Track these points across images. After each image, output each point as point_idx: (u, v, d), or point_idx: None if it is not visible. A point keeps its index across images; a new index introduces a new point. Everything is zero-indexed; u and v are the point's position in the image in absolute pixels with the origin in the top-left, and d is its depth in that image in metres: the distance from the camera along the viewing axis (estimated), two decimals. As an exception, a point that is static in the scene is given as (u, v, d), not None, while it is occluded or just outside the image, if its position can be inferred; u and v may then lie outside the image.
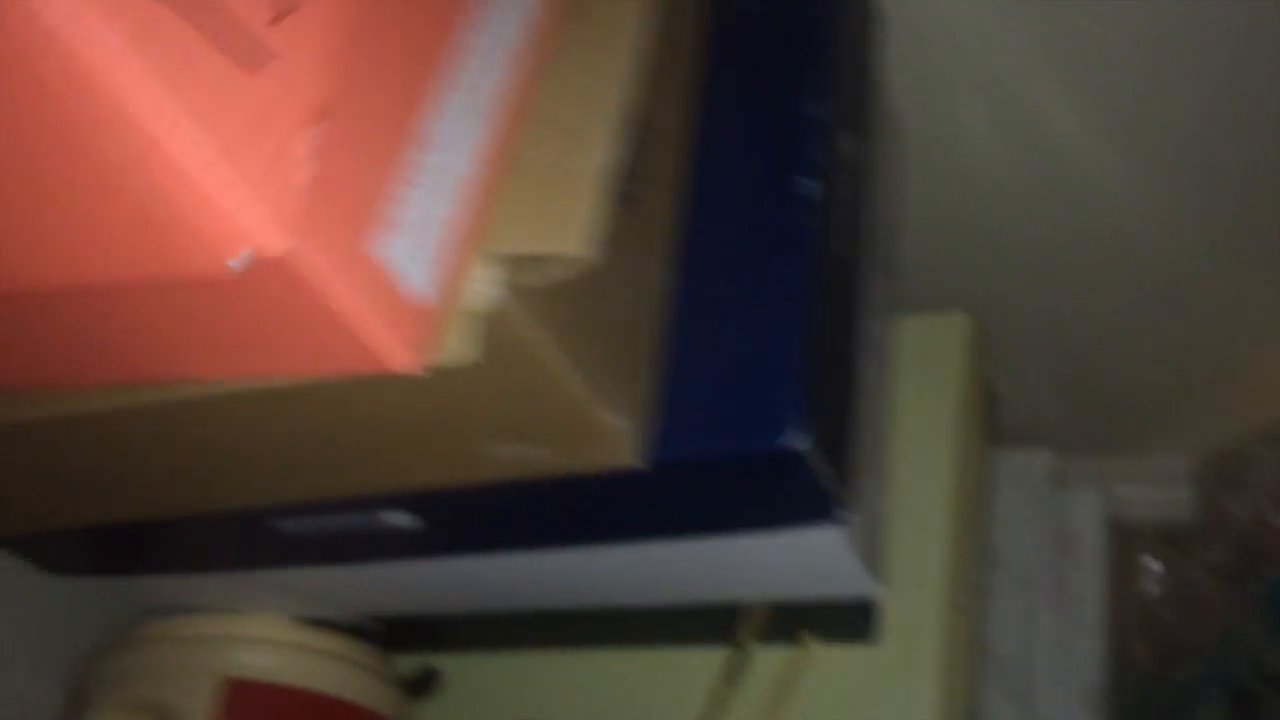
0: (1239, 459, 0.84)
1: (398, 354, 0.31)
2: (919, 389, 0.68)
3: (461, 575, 0.55)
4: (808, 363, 0.44)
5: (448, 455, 0.43)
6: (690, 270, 0.47)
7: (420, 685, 0.71)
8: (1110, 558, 0.85)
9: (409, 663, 0.72)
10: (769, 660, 0.63)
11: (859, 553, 0.50)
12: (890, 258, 0.61)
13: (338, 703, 0.60)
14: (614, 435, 0.42)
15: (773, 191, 0.48)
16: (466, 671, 0.72)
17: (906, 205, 0.67)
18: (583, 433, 0.41)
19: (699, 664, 0.64)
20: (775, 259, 0.46)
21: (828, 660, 0.63)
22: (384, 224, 0.30)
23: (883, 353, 0.60)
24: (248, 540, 0.53)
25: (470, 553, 0.52)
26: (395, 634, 0.69)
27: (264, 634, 0.59)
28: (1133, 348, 0.84)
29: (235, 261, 0.26)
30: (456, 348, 0.33)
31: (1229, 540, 0.83)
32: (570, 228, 0.34)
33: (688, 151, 0.50)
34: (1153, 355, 0.84)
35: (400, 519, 0.49)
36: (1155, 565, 0.88)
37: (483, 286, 0.34)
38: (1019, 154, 0.69)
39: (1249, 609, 0.81)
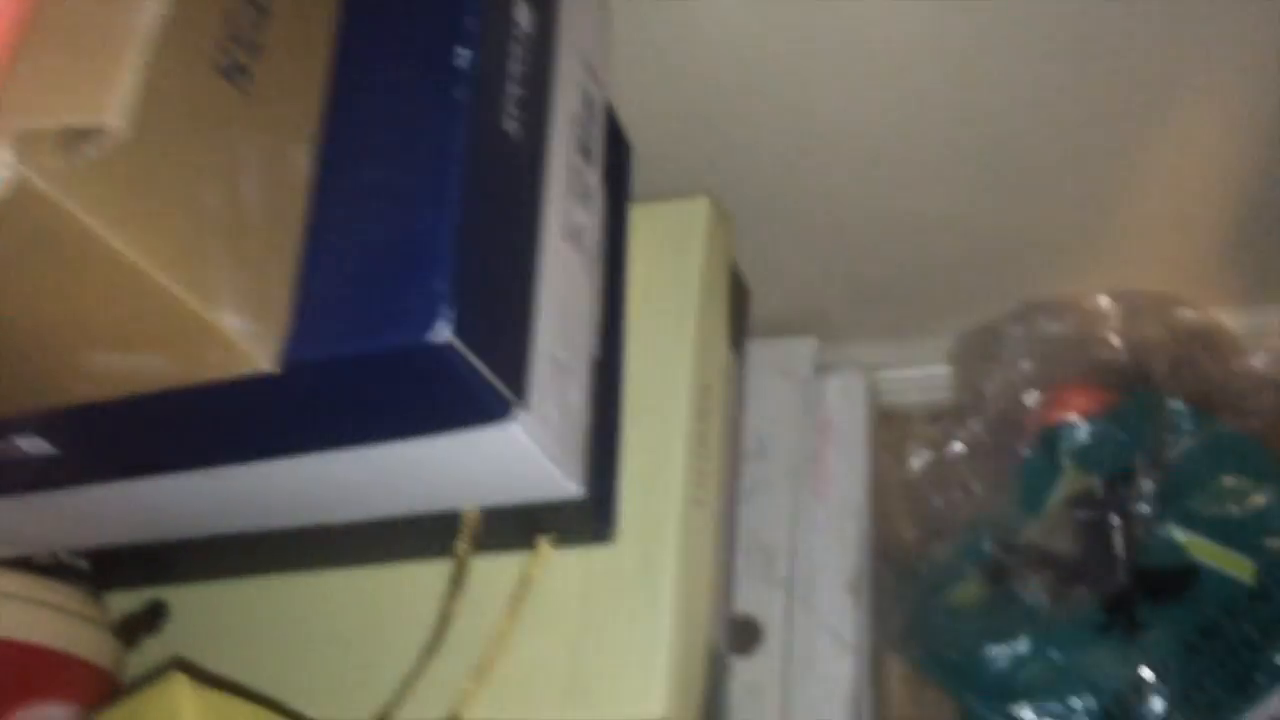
0: (992, 337, 0.84)
1: None
2: (656, 277, 0.65)
3: (131, 502, 0.50)
4: (460, 250, 0.40)
5: (53, 370, 0.39)
6: (338, 153, 0.43)
7: (145, 621, 0.67)
8: (876, 442, 0.86)
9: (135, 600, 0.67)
10: (507, 567, 0.61)
11: (548, 452, 0.47)
12: (591, 139, 0.57)
13: (21, 647, 0.55)
14: (233, 338, 0.38)
15: (428, 66, 0.44)
16: (195, 603, 0.67)
17: (609, 80, 0.63)
18: (194, 337, 0.37)
19: (431, 578, 0.61)
20: (425, 138, 0.42)
21: (564, 563, 0.61)
22: None
23: (591, 239, 0.57)
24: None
25: (123, 477, 0.48)
26: (110, 571, 0.64)
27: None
28: (897, 232, 0.83)
29: None
30: (-36, 241, 0.28)
31: (983, 418, 0.84)
32: (104, 95, 0.30)
33: (333, 24, 0.45)
34: (917, 239, 0.84)
35: (33, 444, 0.44)
36: (919, 447, 0.89)
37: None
38: (772, 24, 0.65)
39: (1001, 485, 0.82)
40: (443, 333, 0.39)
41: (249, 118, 0.39)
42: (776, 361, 0.86)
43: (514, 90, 0.47)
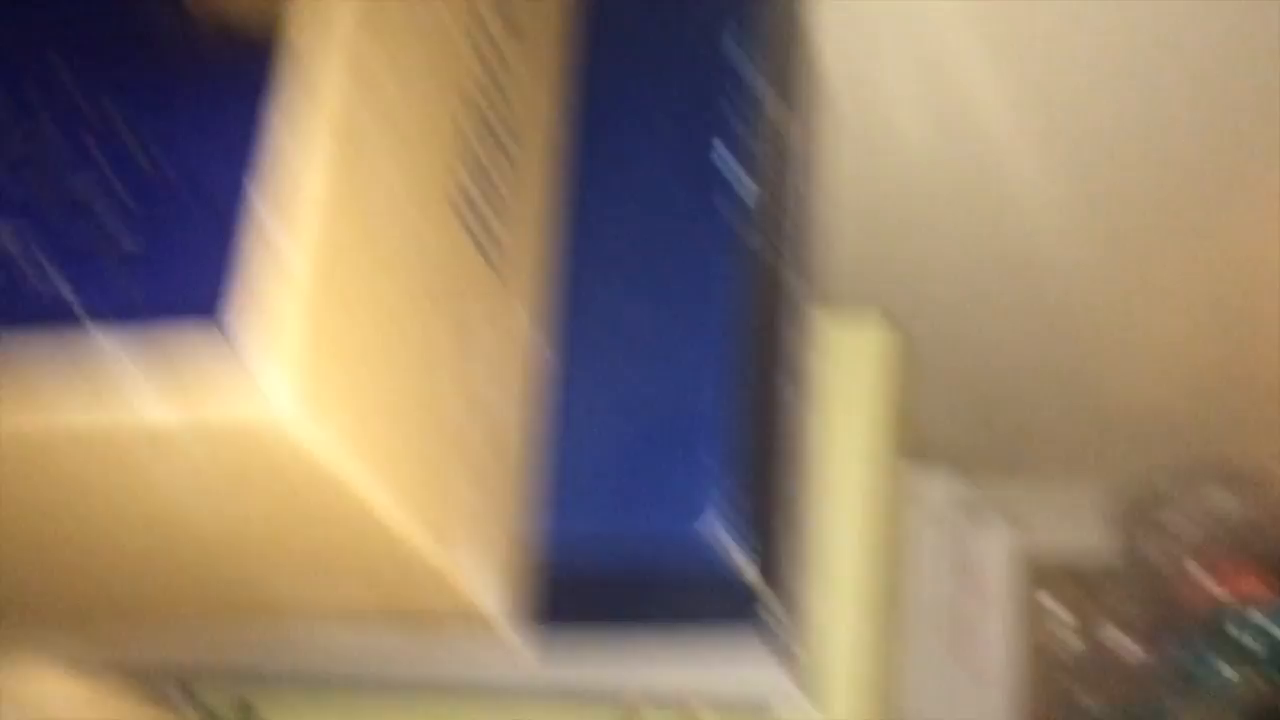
0: (1154, 499, 0.77)
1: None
2: (835, 401, 0.57)
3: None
4: (729, 420, 0.33)
5: (235, 592, 0.31)
6: (584, 299, 0.36)
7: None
8: (1017, 595, 0.78)
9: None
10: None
11: (789, 671, 0.40)
12: (809, 255, 0.50)
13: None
14: (462, 581, 0.30)
15: (686, 174, 0.36)
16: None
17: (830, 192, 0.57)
18: (417, 576, 0.30)
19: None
20: (690, 276, 0.35)
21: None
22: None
23: (799, 366, 0.49)
24: None
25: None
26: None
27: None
28: (1048, 373, 0.76)
29: None
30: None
31: (1143, 588, 0.76)
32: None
33: (565, 147, 0.38)
34: (1067, 383, 0.77)
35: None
36: (1063, 608, 0.81)
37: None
38: (951, 153, 0.59)
39: (1162, 664, 0.75)
40: (715, 524, 0.32)
41: (493, 293, 0.32)
42: (918, 493, 0.78)
43: (768, 205, 0.39)
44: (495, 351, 0.32)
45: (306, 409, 0.22)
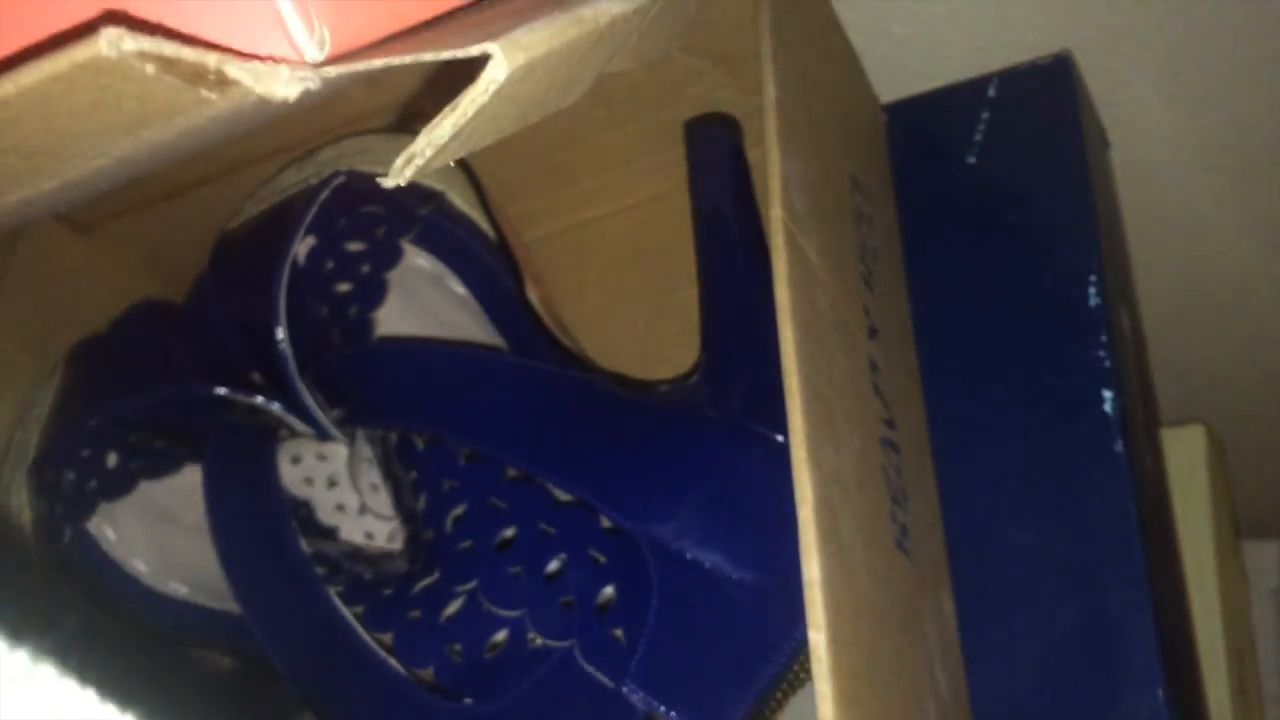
0: None
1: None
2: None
3: None
4: (1162, 645, 0.35)
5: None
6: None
7: None
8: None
9: None
10: None
11: None
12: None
13: None
14: None
15: (1066, 429, 0.38)
16: None
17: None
18: None
19: None
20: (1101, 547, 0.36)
21: None
22: None
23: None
24: None
25: None
26: None
27: None
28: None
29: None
30: None
31: None
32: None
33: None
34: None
35: None
36: None
37: None
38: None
39: None
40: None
41: (917, 580, 0.34)
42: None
43: (1140, 428, 0.41)
44: (938, 640, 0.34)
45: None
